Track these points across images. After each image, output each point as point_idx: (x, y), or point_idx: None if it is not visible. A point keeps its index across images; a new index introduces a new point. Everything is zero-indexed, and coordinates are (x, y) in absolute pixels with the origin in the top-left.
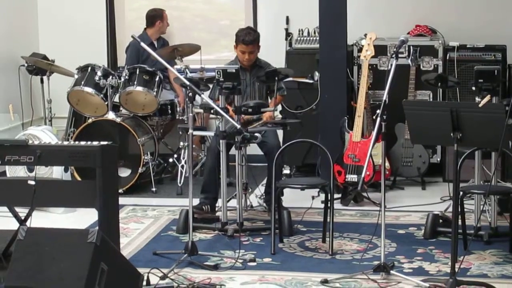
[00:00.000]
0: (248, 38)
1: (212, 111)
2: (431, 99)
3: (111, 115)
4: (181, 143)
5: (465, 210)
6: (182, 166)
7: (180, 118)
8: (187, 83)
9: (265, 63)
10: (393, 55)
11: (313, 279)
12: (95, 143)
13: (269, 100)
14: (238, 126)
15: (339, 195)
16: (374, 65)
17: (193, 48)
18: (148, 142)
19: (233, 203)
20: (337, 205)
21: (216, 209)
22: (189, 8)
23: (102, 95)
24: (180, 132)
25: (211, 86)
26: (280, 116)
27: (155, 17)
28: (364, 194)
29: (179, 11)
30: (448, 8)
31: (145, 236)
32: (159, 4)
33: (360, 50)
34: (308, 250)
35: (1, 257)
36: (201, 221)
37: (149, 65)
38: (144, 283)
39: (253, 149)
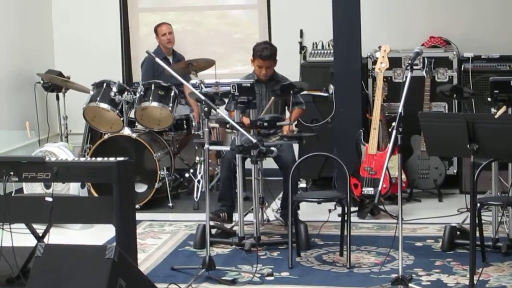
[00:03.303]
0: (265, 53)
1: (227, 125)
2: (446, 111)
3: (126, 131)
4: (197, 158)
5: (483, 221)
6: (199, 181)
7: (196, 132)
8: (203, 97)
9: (282, 77)
10: (408, 67)
11: None
12: (111, 159)
13: (286, 114)
14: (254, 141)
15: (356, 208)
16: (389, 77)
17: (208, 63)
18: (164, 157)
19: (250, 217)
20: (354, 218)
21: (233, 222)
22: (203, 22)
23: (117, 111)
24: (196, 147)
25: (226, 100)
26: (296, 129)
27: (155, 33)
28: (381, 206)
29: (192, 25)
30: (462, 19)
31: (163, 251)
32: (171, 19)
33: (374, 63)
34: (325, 263)
35: (19, 274)
36: (218, 236)
37: (164, 80)
38: None
39: (269, 163)
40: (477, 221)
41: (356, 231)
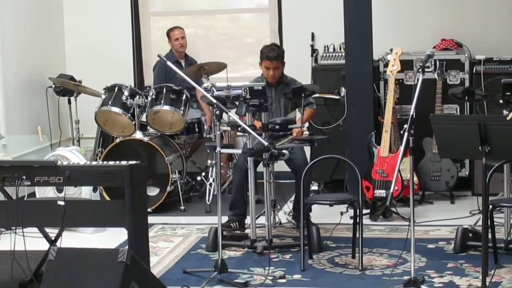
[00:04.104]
0: (272, 54)
1: (239, 128)
2: (458, 113)
3: (138, 135)
4: (209, 161)
5: (495, 223)
6: (210, 184)
7: (207, 136)
8: (214, 101)
9: (291, 80)
10: (420, 70)
11: None
12: (123, 162)
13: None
14: (266, 143)
15: (368, 211)
16: (401, 80)
17: (219, 66)
18: (176, 160)
19: (262, 220)
20: (366, 220)
21: (245, 226)
22: (214, 26)
23: (129, 115)
24: (208, 150)
25: (237, 103)
26: (307, 132)
27: (167, 37)
28: (393, 209)
29: (204, 29)
30: (473, 22)
31: (175, 255)
32: (182, 23)
33: (386, 65)
34: (337, 266)
35: (32, 278)
36: (231, 239)
37: (176, 84)
38: None
39: (281, 165)
40: (489, 223)
41: (368, 234)
